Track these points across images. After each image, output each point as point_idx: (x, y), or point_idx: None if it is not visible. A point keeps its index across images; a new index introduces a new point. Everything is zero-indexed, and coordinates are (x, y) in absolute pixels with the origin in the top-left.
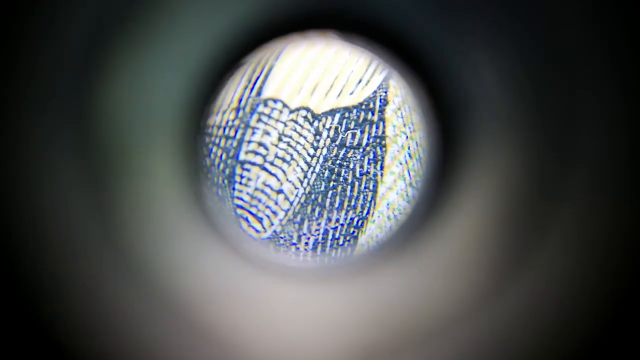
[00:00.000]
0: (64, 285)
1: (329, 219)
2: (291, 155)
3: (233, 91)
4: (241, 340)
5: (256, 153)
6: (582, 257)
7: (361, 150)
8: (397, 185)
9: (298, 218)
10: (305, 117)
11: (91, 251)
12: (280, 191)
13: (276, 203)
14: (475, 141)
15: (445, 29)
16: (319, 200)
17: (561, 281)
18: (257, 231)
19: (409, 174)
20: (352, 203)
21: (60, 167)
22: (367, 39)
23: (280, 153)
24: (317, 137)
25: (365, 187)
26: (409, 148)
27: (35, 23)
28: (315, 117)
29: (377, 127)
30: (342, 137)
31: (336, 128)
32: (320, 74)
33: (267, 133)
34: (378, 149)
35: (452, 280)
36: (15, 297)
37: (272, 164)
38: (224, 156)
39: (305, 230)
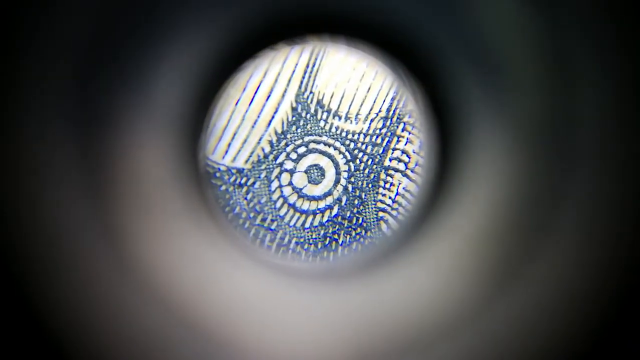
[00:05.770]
0: (64, 287)
1: None
2: None
3: (382, 101)
4: (241, 340)
5: (399, 160)
6: (578, 266)
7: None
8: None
9: None
10: None
11: (91, 253)
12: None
13: None
14: (474, 148)
15: (448, 33)
16: None
17: (556, 290)
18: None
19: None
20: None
21: (62, 169)
22: (367, 41)
23: (422, 161)
24: None
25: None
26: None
27: (37, 26)
28: None
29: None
30: None
31: None
32: None
33: (410, 142)
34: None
35: (449, 284)
36: (13, 298)
37: (412, 171)
38: (369, 162)
39: None
